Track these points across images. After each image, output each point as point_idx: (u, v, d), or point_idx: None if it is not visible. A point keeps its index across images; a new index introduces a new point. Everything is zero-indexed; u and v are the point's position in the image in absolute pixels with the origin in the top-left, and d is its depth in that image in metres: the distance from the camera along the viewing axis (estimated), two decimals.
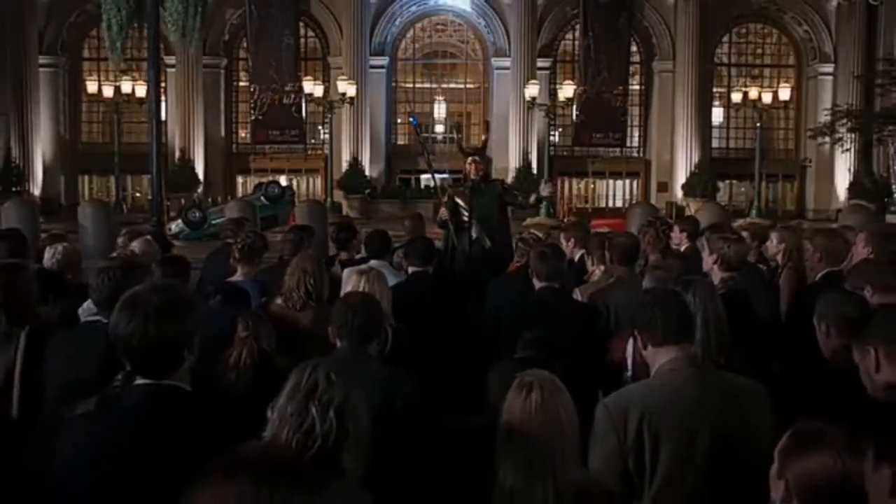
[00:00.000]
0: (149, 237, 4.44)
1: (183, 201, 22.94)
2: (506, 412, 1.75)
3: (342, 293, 2.81)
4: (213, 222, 17.84)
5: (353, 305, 2.46)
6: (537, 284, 3.52)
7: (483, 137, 7.87)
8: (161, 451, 1.55)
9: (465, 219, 6.46)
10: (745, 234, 5.10)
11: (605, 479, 1.83)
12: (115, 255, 3.98)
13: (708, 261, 3.52)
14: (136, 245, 4.10)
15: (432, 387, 2.60)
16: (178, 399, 1.68)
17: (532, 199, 6.99)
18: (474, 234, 6.39)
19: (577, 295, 3.76)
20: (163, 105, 29.16)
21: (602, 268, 3.97)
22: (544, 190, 6.84)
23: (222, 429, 1.26)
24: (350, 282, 3.06)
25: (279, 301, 3.21)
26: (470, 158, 6.77)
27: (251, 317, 2.68)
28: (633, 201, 28.19)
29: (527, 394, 1.77)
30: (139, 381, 1.67)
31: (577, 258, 4.74)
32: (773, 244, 4.48)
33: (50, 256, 3.78)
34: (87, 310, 3.37)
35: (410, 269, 4.08)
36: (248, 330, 2.51)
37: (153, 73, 7.46)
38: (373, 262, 3.82)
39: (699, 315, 2.28)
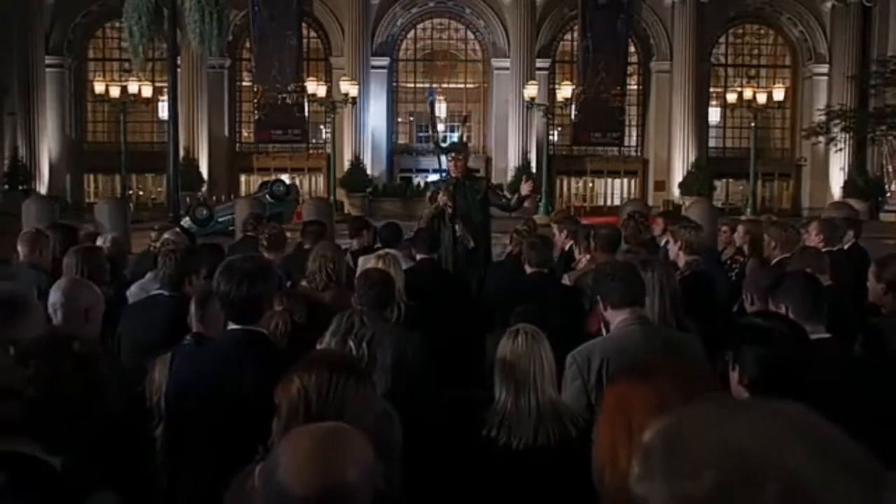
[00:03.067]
0: (178, 229, 4.93)
1: (188, 200, 23.33)
2: (499, 351, 2.29)
3: (357, 278, 3.31)
4: (220, 220, 18.30)
5: (371, 278, 3.05)
6: (528, 270, 4.04)
7: (461, 134, 7.77)
8: (251, 374, 2.15)
9: (449, 217, 6.34)
10: (724, 228, 5.62)
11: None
12: (157, 244, 4.46)
13: (674, 248, 4.06)
14: (168, 235, 4.58)
15: (437, 355, 3.10)
16: (260, 339, 2.31)
17: (514, 200, 6.85)
18: (458, 232, 6.30)
19: (566, 280, 4.27)
20: (168, 105, 29.52)
21: (588, 256, 4.45)
22: (523, 189, 6.65)
23: (287, 363, 1.76)
24: (369, 264, 3.58)
25: (304, 283, 3.71)
26: (450, 155, 6.63)
27: (285, 294, 3.17)
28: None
29: (514, 337, 2.30)
30: (231, 326, 2.23)
31: (567, 248, 5.25)
32: (740, 236, 4.99)
33: (101, 244, 4.26)
34: (133, 293, 3.87)
35: (418, 257, 4.61)
36: (283, 304, 3.00)
37: (171, 78, 7.90)
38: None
39: (656, 287, 2.78)
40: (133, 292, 3.80)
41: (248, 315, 2.30)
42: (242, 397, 2.06)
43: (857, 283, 3.75)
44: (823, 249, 4.26)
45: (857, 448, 0.60)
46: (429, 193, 6.70)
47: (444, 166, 6.78)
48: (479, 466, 2.15)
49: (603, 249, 4.13)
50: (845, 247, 5.02)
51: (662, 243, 5.01)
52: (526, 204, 7.25)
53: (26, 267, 3.61)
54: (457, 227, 6.36)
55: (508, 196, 6.71)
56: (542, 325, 2.75)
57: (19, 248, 3.76)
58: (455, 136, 27.24)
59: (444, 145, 6.77)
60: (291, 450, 1.16)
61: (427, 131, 30.43)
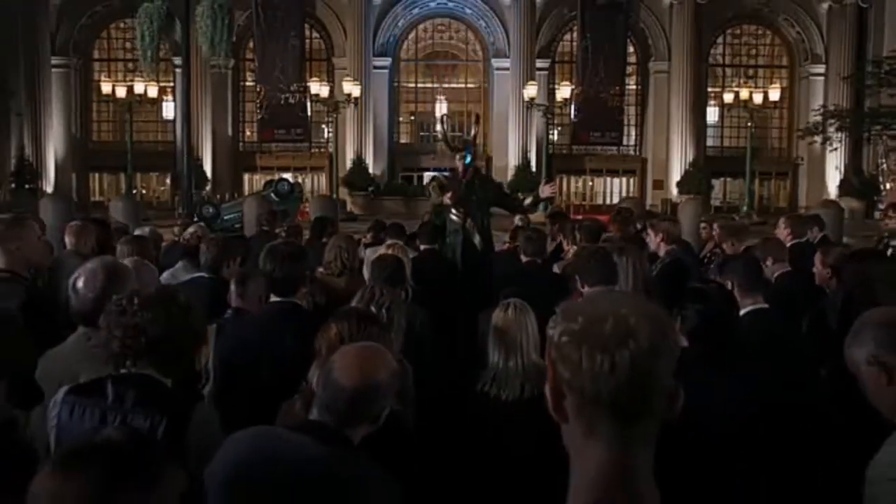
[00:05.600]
0: (202, 223, 5.38)
1: (193, 198, 23.66)
2: (493, 320, 2.71)
3: (373, 261, 3.79)
4: (226, 217, 18.70)
5: (385, 261, 3.53)
6: (524, 259, 4.54)
7: (472, 132, 7.38)
8: (291, 334, 2.57)
9: (457, 218, 6.28)
10: (703, 225, 6.11)
11: None
12: (185, 237, 4.90)
13: (655, 240, 4.54)
14: (192, 230, 5.02)
15: (438, 331, 3.54)
16: (297, 309, 2.78)
17: (528, 201, 6.82)
18: (469, 231, 6.20)
19: (556, 268, 4.74)
20: (172, 105, 29.72)
21: (576, 248, 4.89)
22: (544, 192, 6.70)
23: (317, 328, 2.18)
24: (379, 251, 4.05)
25: (321, 269, 4.15)
26: (458, 155, 6.58)
27: (307, 279, 3.61)
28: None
29: (505, 309, 2.72)
30: (273, 298, 2.68)
31: (558, 241, 5.74)
32: (716, 232, 5.48)
33: (141, 234, 4.70)
34: (165, 280, 4.28)
35: (422, 247, 5.11)
36: (306, 288, 3.43)
37: (184, 82, 8.29)
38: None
39: (630, 270, 3.21)
40: (165, 279, 4.21)
41: (287, 289, 2.77)
42: (284, 353, 2.52)
43: None
44: (792, 241, 4.76)
45: (661, 312, 1.08)
46: (432, 184, 6.79)
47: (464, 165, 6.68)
48: (475, 415, 2.57)
49: (586, 240, 4.61)
50: (815, 240, 5.49)
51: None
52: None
53: (72, 254, 4.02)
54: (468, 225, 6.32)
55: (515, 197, 6.76)
56: (529, 304, 3.17)
57: (67, 238, 4.19)
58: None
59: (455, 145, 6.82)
60: (342, 358, 1.63)
61: (428, 130, 30.90)
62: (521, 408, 2.54)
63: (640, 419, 1.05)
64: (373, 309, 2.59)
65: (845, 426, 1.98)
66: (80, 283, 2.23)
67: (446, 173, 6.56)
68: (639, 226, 5.79)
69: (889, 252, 5.18)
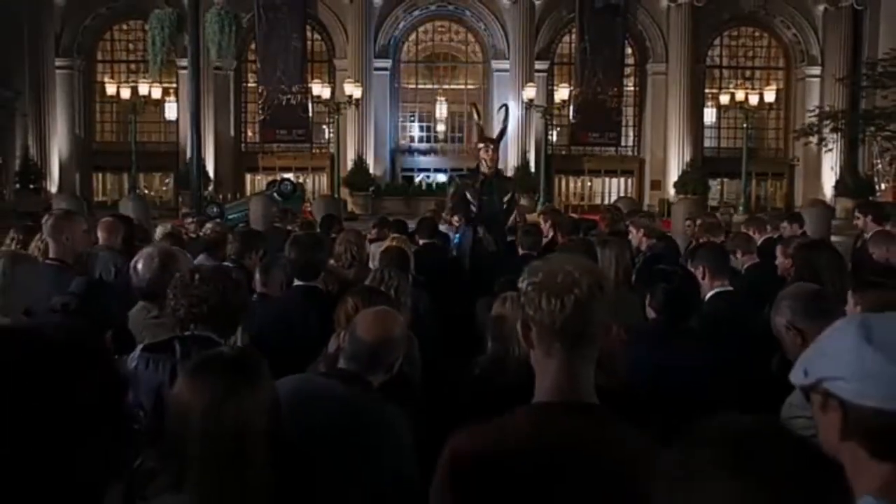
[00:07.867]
0: (218, 219, 5.79)
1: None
2: (493, 311, 3.03)
3: (380, 252, 4.18)
4: (230, 217, 19.08)
5: (391, 252, 3.97)
6: (521, 252, 4.95)
7: (501, 126, 7.23)
8: (312, 315, 3.00)
9: (472, 215, 6.21)
10: (688, 222, 6.53)
11: None
12: (204, 232, 5.28)
13: (637, 235, 4.96)
14: (210, 225, 5.40)
15: (438, 317, 3.90)
16: (318, 292, 3.23)
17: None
18: (479, 233, 6.17)
19: None
20: (174, 106, 29.97)
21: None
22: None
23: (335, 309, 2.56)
24: (384, 244, 4.44)
25: (332, 262, 4.52)
26: (483, 144, 6.46)
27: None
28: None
29: (504, 301, 3.02)
30: (297, 283, 3.06)
31: (550, 235, 6.14)
32: (699, 228, 5.93)
33: (163, 231, 5.09)
34: None
35: (421, 241, 5.53)
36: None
37: (193, 86, 8.63)
38: None
39: (613, 260, 3.57)
40: None
41: (309, 274, 3.17)
42: (308, 327, 2.91)
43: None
44: (765, 237, 5.19)
45: (599, 269, 1.42)
46: (451, 191, 6.73)
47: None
48: (472, 397, 2.87)
49: (565, 232, 5.04)
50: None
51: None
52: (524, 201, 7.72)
53: (103, 248, 4.38)
54: (479, 229, 6.23)
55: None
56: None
57: (99, 233, 4.55)
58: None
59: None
60: (363, 318, 2.05)
61: (428, 131, 31.27)
62: (514, 391, 2.83)
63: (582, 343, 1.48)
64: (382, 289, 2.96)
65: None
66: (139, 265, 2.64)
67: (464, 174, 6.79)
68: (627, 223, 6.20)
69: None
